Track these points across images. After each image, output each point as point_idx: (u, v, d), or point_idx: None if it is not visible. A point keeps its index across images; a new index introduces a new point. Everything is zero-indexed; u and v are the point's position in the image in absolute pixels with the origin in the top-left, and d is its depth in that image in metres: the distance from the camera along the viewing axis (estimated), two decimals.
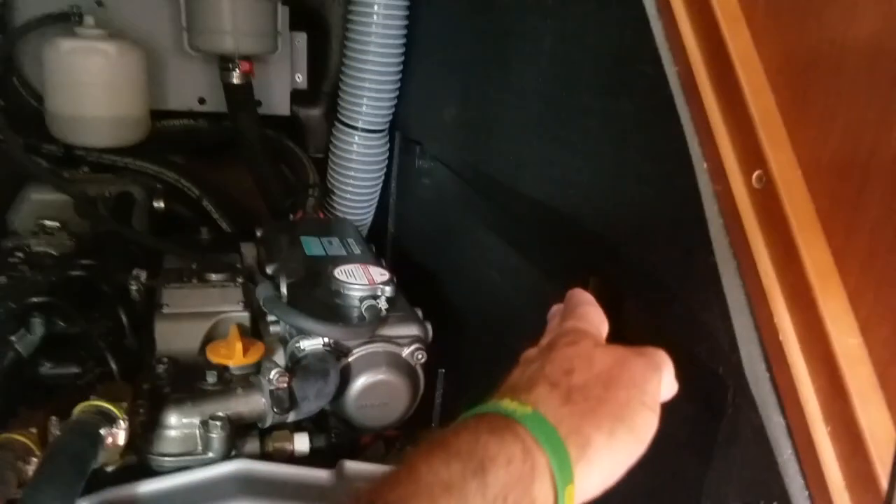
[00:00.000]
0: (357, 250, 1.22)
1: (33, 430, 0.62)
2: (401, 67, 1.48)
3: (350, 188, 1.60)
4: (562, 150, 0.93)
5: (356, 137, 1.54)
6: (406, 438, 0.96)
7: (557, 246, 0.98)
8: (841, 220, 0.59)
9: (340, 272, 0.98)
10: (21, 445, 0.60)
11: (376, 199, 1.66)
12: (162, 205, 1.39)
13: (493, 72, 1.14)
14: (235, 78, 1.35)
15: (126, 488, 0.63)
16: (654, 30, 0.72)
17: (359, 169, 1.57)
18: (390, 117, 1.55)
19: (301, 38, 1.57)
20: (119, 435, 0.62)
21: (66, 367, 0.94)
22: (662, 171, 0.73)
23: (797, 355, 0.59)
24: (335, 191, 1.61)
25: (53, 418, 0.62)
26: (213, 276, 0.98)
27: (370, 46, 1.41)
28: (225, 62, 1.34)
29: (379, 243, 1.54)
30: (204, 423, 0.70)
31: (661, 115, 0.71)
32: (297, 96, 1.62)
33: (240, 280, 0.99)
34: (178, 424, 0.70)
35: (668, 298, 0.71)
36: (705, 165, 0.67)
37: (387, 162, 1.61)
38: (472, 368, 1.17)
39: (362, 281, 0.97)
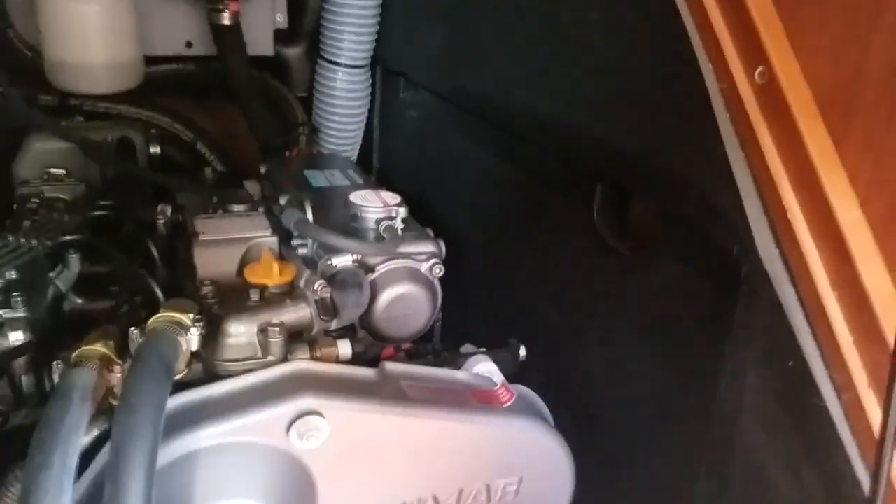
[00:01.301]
0: (360, 180, 1.27)
1: (111, 342, 0.67)
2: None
3: (336, 125, 1.62)
4: (560, 64, 0.98)
5: (340, 74, 1.56)
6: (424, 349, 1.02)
7: (560, 157, 1.04)
8: (839, 106, 0.65)
9: (355, 197, 1.03)
10: (103, 355, 0.65)
11: (361, 135, 1.69)
12: (158, 150, 1.41)
13: None
14: (225, 19, 1.36)
15: (202, 390, 0.69)
16: None
17: (344, 105, 1.60)
18: (372, 51, 1.57)
19: None
20: (193, 341, 0.68)
21: (98, 302, 0.99)
22: (669, 74, 0.78)
23: (804, 231, 0.65)
24: (321, 128, 1.64)
25: (134, 329, 0.67)
26: (236, 208, 1.02)
27: None
28: (213, 3, 1.35)
29: None
30: (262, 330, 0.76)
31: (662, 22, 0.76)
32: (277, 36, 1.63)
33: (261, 209, 1.03)
34: (237, 332, 0.76)
35: (681, 189, 0.77)
36: (710, 66, 0.72)
37: (370, 97, 1.64)
38: (473, 290, 1.24)
39: (377, 203, 1.02)
